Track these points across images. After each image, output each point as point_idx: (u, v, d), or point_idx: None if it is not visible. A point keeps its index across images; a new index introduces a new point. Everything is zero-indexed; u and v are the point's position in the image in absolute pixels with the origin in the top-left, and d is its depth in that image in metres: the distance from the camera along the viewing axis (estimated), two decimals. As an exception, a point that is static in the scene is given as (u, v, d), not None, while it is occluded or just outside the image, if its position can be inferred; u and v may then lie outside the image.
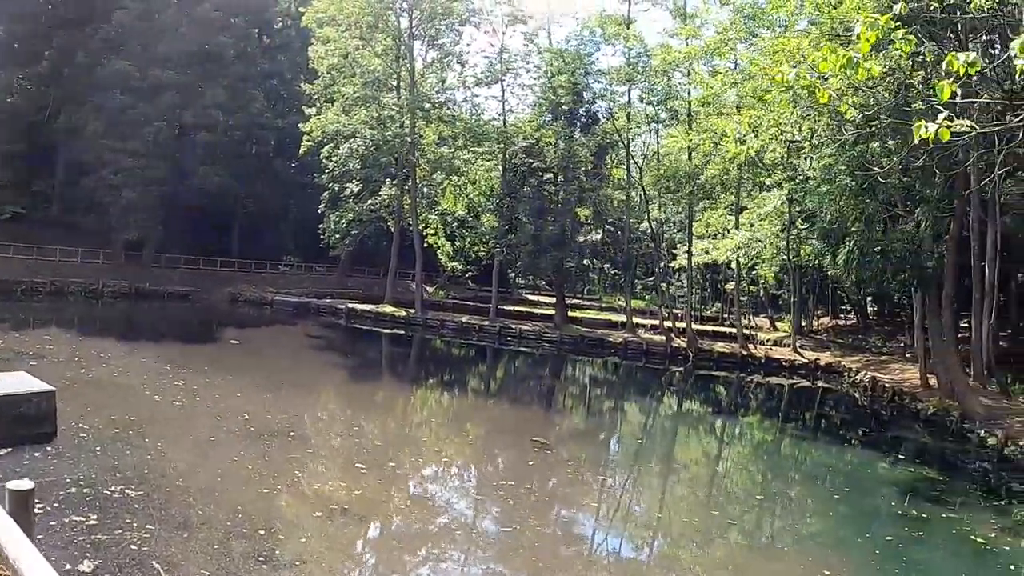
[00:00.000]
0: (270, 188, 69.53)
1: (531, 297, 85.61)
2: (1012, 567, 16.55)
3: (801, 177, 34.08)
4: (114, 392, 24.17)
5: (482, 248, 65.10)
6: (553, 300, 79.00)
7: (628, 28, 50.92)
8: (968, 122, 9.25)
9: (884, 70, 18.11)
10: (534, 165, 53.69)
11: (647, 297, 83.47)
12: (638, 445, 28.18)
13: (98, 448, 17.24)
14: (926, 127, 7.61)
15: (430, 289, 76.23)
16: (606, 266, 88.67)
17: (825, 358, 49.32)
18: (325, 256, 76.06)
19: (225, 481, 16.32)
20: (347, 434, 23.47)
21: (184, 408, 22.97)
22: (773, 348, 52.26)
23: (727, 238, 46.14)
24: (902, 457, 27.08)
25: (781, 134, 28.11)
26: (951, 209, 30.99)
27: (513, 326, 54.50)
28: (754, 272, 61.35)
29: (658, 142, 56.26)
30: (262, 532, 13.34)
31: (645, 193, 53.22)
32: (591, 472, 22.29)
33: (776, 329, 65.93)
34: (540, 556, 14.34)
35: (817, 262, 49.30)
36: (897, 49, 8.65)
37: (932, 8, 19.45)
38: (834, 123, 27.81)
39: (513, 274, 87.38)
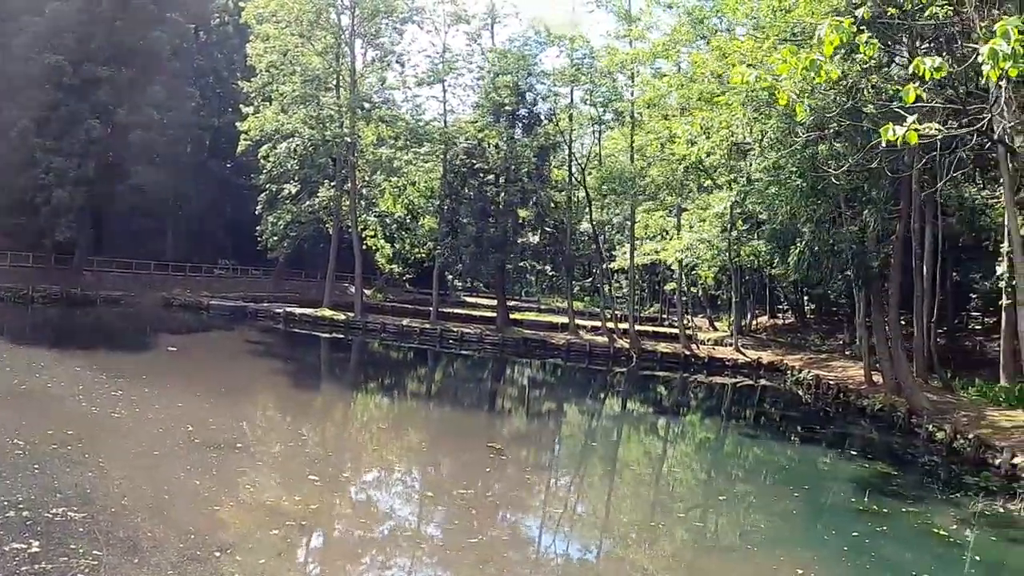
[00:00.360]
0: (205, 189, 67.50)
1: (469, 299, 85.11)
2: (977, 558, 16.87)
3: (744, 179, 34.08)
4: (49, 404, 22.99)
5: (421, 250, 64.22)
6: (491, 302, 78.50)
7: (573, 29, 50.79)
8: (936, 125, 9.21)
9: (840, 74, 17.95)
10: (476, 166, 52.94)
11: (586, 299, 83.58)
12: (594, 448, 27.88)
13: (36, 466, 16.18)
14: (894, 130, 7.68)
15: (368, 292, 75.13)
16: (547, 268, 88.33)
17: (767, 357, 49.77)
18: (261, 259, 74.35)
19: (174, 499, 15.45)
20: (296, 444, 22.65)
21: (124, 420, 21.91)
22: (716, 348, 52.57)
23: (675, 239, 45.93)
24: (854, 453, 27.31)
25: (732, 136, 28.01)
26: (897, 210, 31.28)
27: (454, 328, 53.81)
28: (694, 273, 61.50)
29: (599, 144, 55.91)
30: (217, 554, 12.54)
31: (588, 194, 52.85)
32: (550, 478, 21.97)
33: (715, 329, 66.45)
34: (511, 567, 13.84)
35: (758, 263, 49.69)
36: (860, 53, 8.53)
37: (889, 15, 19.42)
38: (784, 125, 27.80)
39: (451, 276, 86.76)
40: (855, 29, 7.93)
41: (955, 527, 18.56)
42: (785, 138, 28.47)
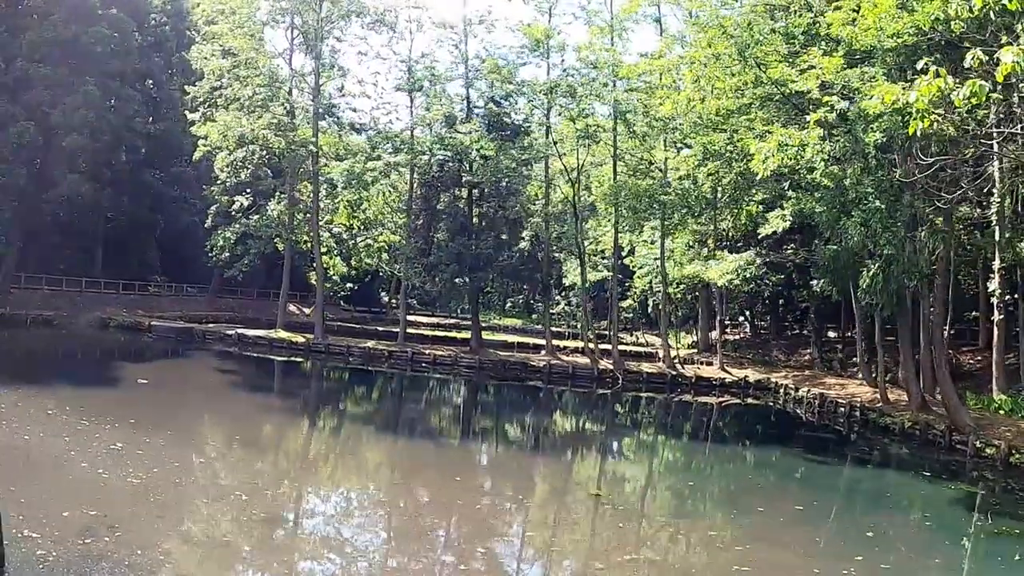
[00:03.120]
0: (138, 201, 59.35)
1: (409, 318, 79.24)
2: None
3: (803, 199, 31.46)
4: (44, 469, 17.07)
5: (383, 266, 58.24)
6: (431, 320, 73.30)
7: (551, 38, 46.00)
8: None
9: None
10: (465, 179, 47.11)
11: (533, 316, 79.20)
12: (693, 486, 23.56)
13: (78, 579, 10.80)
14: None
15: (308, 311, 68.87)
16: (523, 287, 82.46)
17: (752, 375, 46.67)
18: (193, 276, 67.56)
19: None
20: (380, 514, 17.40)
21: (150, 487, 16.35)
22: (700, 367, 48.92)
23: (723, 261, 41.99)
24: (927, 474, 25.70)
25: (801, 151, 25.17)
26: (943, 230, 30.01)
27: (426, 351, 48.24)
28: (657, 291, 57.92)
29: (580, 156, 50.34)
30: None
31: (576, 210, 47.98)
32: (701, 532, 17.54)
33: (669, 345, 63.16)
34: None
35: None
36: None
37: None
38: (849, 145, 26.15)
39: (386, 294, 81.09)
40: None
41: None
42: (852, 158, 26.91)
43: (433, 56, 49.15)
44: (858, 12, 25.54)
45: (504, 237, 50.24)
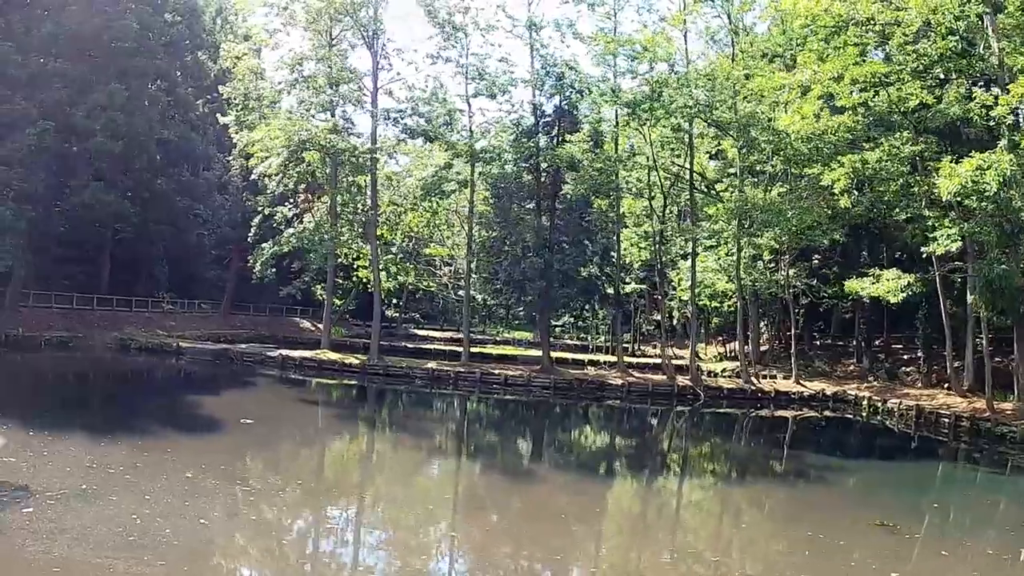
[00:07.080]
0: (150, 211, 51.57)
1: (419, 332, 72.92)
2: None
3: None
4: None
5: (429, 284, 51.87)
6: (443, 335, 67.25)
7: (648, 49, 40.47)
8: None
9: None
10: (562, 192, 40.89)
11: (558, 329, 73.35)
12: (938, 508, 19.49)
13: None
14: None
15: (321, 326, 62.23)
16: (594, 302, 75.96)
17: (829, 388, 42.80)
18: (200, 292, 60.82)
19: None
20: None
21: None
22: (775, 380, 44.93)
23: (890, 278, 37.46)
24: None
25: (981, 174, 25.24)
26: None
27: (496, 371, 42.30)
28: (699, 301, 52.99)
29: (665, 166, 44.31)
30: None
31: (663, 221, 42.30)
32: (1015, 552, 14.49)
33: (699, 357, 58.52)
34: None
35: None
36: None
37: None
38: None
39: (393, 309, 74.34)
40: None
41: None
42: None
43: (509, 61, 43.11)
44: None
45: (588, 252, 44.48)
